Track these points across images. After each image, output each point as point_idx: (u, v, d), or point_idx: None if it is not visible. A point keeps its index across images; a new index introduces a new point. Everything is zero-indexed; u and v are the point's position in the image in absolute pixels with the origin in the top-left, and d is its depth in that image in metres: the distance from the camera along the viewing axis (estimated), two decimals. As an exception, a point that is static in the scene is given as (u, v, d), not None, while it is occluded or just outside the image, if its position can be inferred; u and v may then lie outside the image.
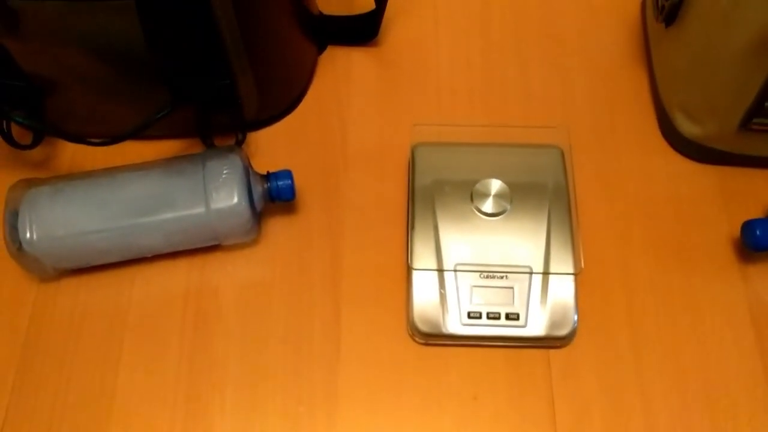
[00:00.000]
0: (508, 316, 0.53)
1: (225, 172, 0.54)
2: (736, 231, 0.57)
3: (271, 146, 0.63)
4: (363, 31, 0.67)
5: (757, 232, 0.54)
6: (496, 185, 0.56)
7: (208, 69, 0.55)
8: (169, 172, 0.55)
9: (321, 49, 0.68)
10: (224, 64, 0.55)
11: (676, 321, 0.55)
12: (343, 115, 0.65)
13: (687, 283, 0.57)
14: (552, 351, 0.54)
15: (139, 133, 0.56)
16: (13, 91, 0.57)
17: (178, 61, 0.54)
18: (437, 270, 0.54)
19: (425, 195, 0.57)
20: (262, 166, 0.58)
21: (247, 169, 0.56)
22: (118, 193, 0.54)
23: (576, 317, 0.53)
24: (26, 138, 0.60)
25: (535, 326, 0.53)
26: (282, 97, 0.64)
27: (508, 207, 0.56)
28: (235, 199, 0.53)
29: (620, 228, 0.59)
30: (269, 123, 0.64)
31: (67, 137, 0.57)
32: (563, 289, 0.54)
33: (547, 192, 0.57)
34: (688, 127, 0.60)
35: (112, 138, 0.55)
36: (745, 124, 0.56)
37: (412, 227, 0.56)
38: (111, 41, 0.52)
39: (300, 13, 0.60)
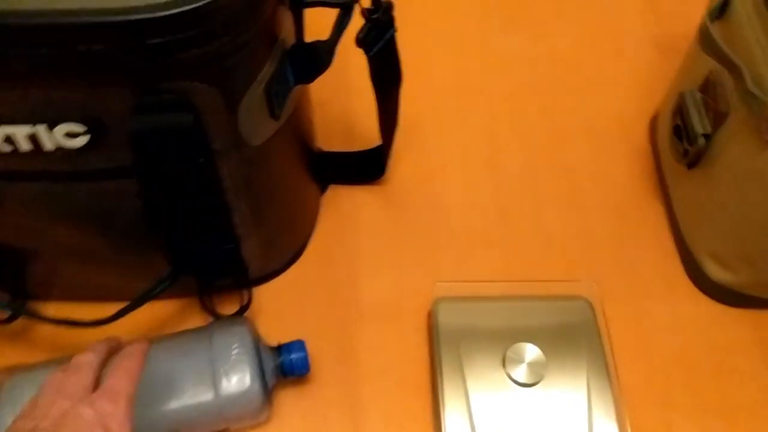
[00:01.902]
0: (552, 501, 0.48)
1: (235, 350, 0.49)
2: (778, 381, 0.54)
3: (276, 304, 0.58)
4: (368, 168, 0.63)
5: (808, 392, 0.51)
6: (530, 351, 0.52)
7: (210, 236, 0.51)
8: (172, 353, 0.50)
9: (323, 190, 0.64)
10: (228, 229, 0.51)
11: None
12: (352, 263, 0.60)
13: (734, 445, 0.53)
14: None
15: (134, 308, 0.51)
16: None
17: (180, 232, 0.49)
18: (473, 452, 0.49)
19: (452, 361, 0.52)
20: (267, 329, 0.54)
21: (257, 344, 0.51)
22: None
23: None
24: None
25: None
26: (286, 249, 0.59)
27: (544, 375, 0.52)
28: (248, 383, 0.48)
29: (660, 387, 0.55)
30: (272, 277, 0.59)
31: (51, 320, 0.51)
32: (611, 466, 0.49)
33: (582, 352, 0.53)
34: (719, 274, 0.57)
35: (106, 318, 0.50)
36: (783, 274, 0.53)
37: (441, 399, 0.51)
38: (105, 215, 0.47)
39: (305, 160, 0.57)
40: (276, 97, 0.44)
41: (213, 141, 0.43)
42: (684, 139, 0.56)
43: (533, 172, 0.66)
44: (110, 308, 0.51)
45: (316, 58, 0.45)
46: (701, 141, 0.54)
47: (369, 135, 0.64)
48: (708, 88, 0.54)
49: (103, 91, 0.39)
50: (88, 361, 0.41)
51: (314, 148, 0.61)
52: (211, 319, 0.55)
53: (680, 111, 0.57)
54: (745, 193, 0.51)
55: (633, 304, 0.58)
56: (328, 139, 0.64)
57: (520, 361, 0.52)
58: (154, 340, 0.51)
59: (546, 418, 0.50)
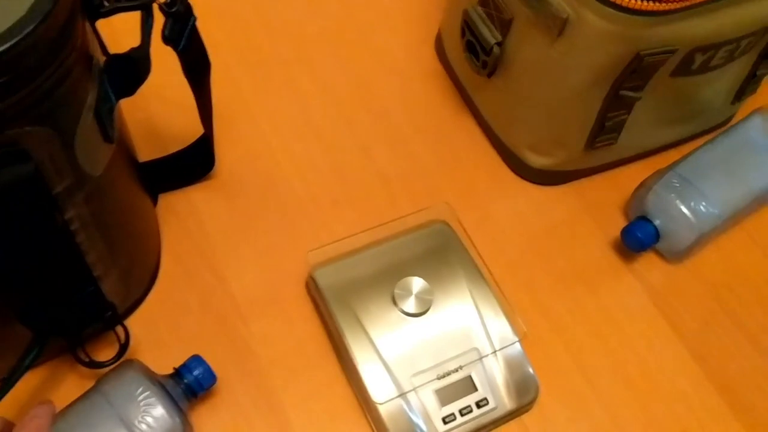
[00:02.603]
0: (478, 405, 0.52)
1: (138, 396, 0.46)
2: (611, 236, 0.63)
3: (151, 332, 0.55)
4: (197, 164, 0.61)
5: (639, 235, 0.60)
6: (413, 283, 0.55)
7: (69, 285, 0.46)
8: (73, 427, 0.45)
9: (155, 202, 0.60)
10: (86, 272, 0.47)
11: (606, 340, 0.59)
12: (211, 264, 0.59)
13: (596, 300, 0.61)
14: (525, 417, 0.55)
15: (10, 388, 0.45)
16: None
17: (36, 290, 0.44)
18: (400, 396, 0.51)
19: (348, 318, 0.54)
20: (152, 360, 0.51)
21: (155, 378, 0.48)
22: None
23: (534, 373, 0.54)
24: None
25: (505, 402, 0.53)
26: (143, 274, 0.56)
27: (432, 299, 0.55)
28: (169, 420, 0.46)
29: (522, 273, 0.61)
30: (136, 307, 0.56)
31: None
32: (515, 357, 0.54)
33: (457, 269, 0.57)
34: (537, 160, 0.64)
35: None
36: (591, 145, 0.61)
37: (353, 358, 0.52)
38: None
39: (136, 179, 0.53)
40: (106, 118, 0.41)
41: (56, 184, 0.39)
42: (480, 52, 0.61)
43: (348, 122, 0.67)
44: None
45: (134, 68, 0.42)
46: (496, 50, 0.59)
47: (181, 132, 0.61)
48: (487, 1, 0.59)
49: None
50: None
51: (137, 161, 0.58)
52: (89, 371, 0.51)
53: (468, 27, 0.62)
54: (544, 83, 0.57)
55: (476, 211, 0.63)
56: (143, 148, 0.60)
57: (408, 294, 0.55)
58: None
59: (447, 336, 0.54)
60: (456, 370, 0.53)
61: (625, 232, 0.60)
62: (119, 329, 0.51)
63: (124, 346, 0.51)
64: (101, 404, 0.46)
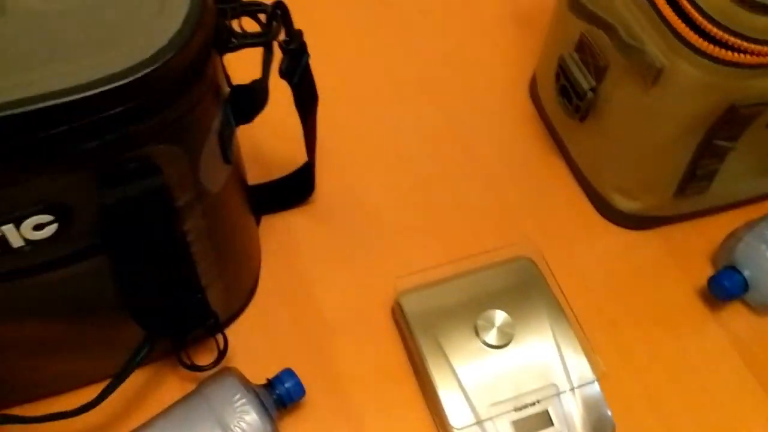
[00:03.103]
0: (553, 439, 0.53)
1: (236, 401, 0.50)
2: (697, 283, 0.63)
3: (246, 342, 0.59)
4: (298, 190, 0.65)
5: (726, 284, 0.59)
6: (497, 316, 0.57)
7: (179, 291, 0.51)
8: (174, 428, 0.49)
9: (258, 223, 0.65)
10: (195, 281, 0.51)
11: (687, 386, 0.58)
12: (305, 283, 0.62)
13: (679, 346, 0.60)
14: (600, 457, 0.55)
15: (119, 384, 0.50)
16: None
17: (152, 295, 0.49)
18: (477, 423, 0.53)
19: (430, 343, 0.56)
20: (245, 368, 0.54)
21: (251, 386, 0.52)
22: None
23: (610, 414, 0.55)
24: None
25: (581, 439, 0.54)
26: (244, 288, 0.60)
27: (513, 333, 0.57)
28: (260, 423, 0.49)
29: (603, 314, 0.62)
30: (235, 318, 0.60)
31: (35, 419, 0.49)
32: (593, 397, 0.55)
33: (540, 305, 0.58)
34: (626, 204, 0.65)
35: (92, 401, 0.49)
36: (681, 192, 0.61)
37: (433, 382, 0.54)
38: (74, 299, 0.46)
39: (246, 196, 0.58)
40: (227, 141, 0.45)
41: (179, 197, 0.43)
42: (573, 96, 0.63)
43: (440, 158, 0.70)
44: (87, 393, 0.50)
45: (254, 98, 0.47)
46: (590, 95, 0.61)
47: (284, 159, 0.66)
48: (583, 47, 0.61)
49: (66, 174, 0.38)
50: None
51: (247, 184, 0.62)
52: (188, 373, 0.55)
53: (563, 72, 0.64)
54: (636, 129, 0.59)
55: (561, 251, 0.65)
56: (250, 172, 0.65)
57: (491, 326, 0.57)
58: (148, 424, 0.51)
59: (527, 369, 0.55)
60: (533, 404, 0.54)
61: (713, 281, 0.60)
62: (219, 337, 0.55)
63: (222, 353, 0.55)
64: (201, 406, 0.50)
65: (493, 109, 0.74)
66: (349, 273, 0.63)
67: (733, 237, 0.62)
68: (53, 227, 0.40)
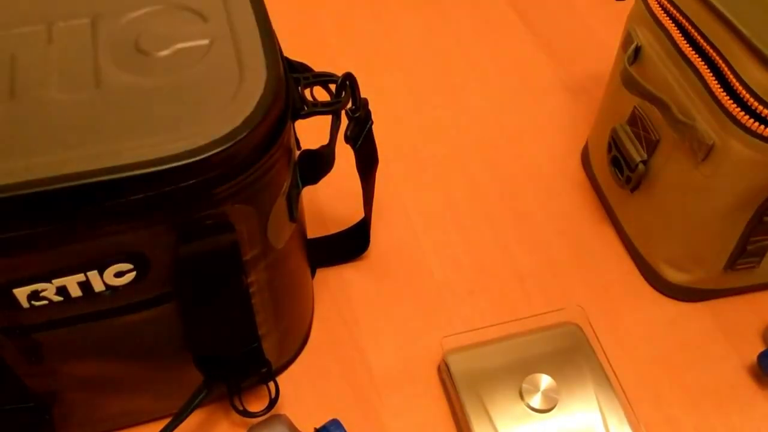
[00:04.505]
0: None
1: (285, 446, 0.52)
2: (747, 359, 0.62)
3: (295, 391, 0.61)
4: (354, 245, 0.68)
5: (776, 362, 0.59)
6: (542, 380, 0.58)
7: (238, 340, 0.53)
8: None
9: (313, 275, 0.68)
10: (253, 330, 0.54)
11: (734, 463, 0.58)
12: (355, 337, 0.64)
13: (727, 423, 0.60)
14: None
15: (177, 425, 0.52)
16: (16, 418, 0.51)
17: (213, 342, 0.51)
18: (520, 485, 0.54)
19: (475, 403, 0.57)
20: (295, 417, 0.56)
21: (299, 433, 0.53)
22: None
23: (654, 490, 0.55)
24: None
25: None
26: (297, 338, 0.63)
27: (558, 399, 0.57)
28: (307, 472, 0.51)
29: (651, 386, 0.62)
30: (287, 367, 0.62)
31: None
32: (637, 467, 0.55)
33: (584, 371, 0.59)
34: (675, 276, 0.65)
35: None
36: (731, 266, 0.62)
37: (477, 444, 0.55)
38: (141, 343, 0.49)
39: (306, 250, 0.60)
40: (294, 201, 0.48)
41: (247, 252, 0.46)
42: (624, 168, 0.65)
43: (491, 219, 0.72)
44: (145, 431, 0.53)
45: (321, 162, 0.50)
46: (641, 167, 0.62)
47: (342, 216, 0.68)
48: (636, 121, 0.63)
49: (148, 230, 0.41)
50: None
51: (306, 238, 0.65)
52: (240, 418, 0.57)
53: (615, 144, 0.66)
54: (687, 203, 0.60)
55: (608, 318, 0.66)
56: (309, 226, 0.68)
57: (536, 390, 0.57)
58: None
59: (572, 436, 0.56)
60: (576, 471, 0.55)
61: (762, 357, 0.60)
62: (271, 385, 0.57)
63: (273, 401, 0.57)
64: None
65: (546, 175, 0.76)
66: (398, 329, 0.65)
67: (784, 314, 0.62)
68: (132, 275, 0.43)
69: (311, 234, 0.67)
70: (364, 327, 0.65)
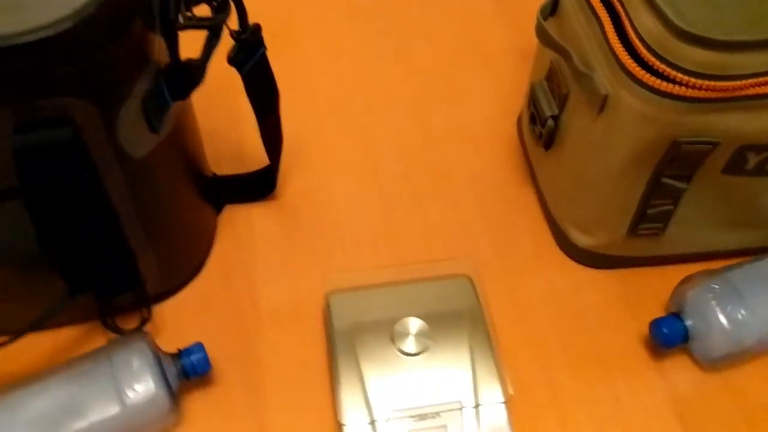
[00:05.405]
0: (448, 457, 0.52)
1: (135, 362, 0.51)
2: (645, 329, 0.60)
3: (178, 318, 0.61)
4: (259, 187, 0.67)
5: (665, 330, 0.57)
6: (414, 324, 0.57)
7: (104, 251, 0.53)
8: (72, 377, 0.52)
9: (218, 210, 0.67)
10: (121, 244, 0.54)
11: (607, 429, 0.56)
12: (250, 274, 0.64)
13: (611, 389, 0.58)
14: (498, 485, 0.53)
15: (36, 328, 0.53)
16: None
17: (72, 248, 0.51)
18: (369, 423, 0.53)
19: (346, 343, 0.56)
20: (170, 341, 0.56)
21: (156, 353, 0.53)
22: (18, 415, 0.50)
23: (514, 442, 0.53)
24: None
25: (477, 463, 0.52)
26: (184, 266, 0.62)
27: (430, 344, 0.56)
28: (153, 389, 0.51)
29: (540, 347, 0.60)
30: (172, 293, 0.62)
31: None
32: (497, 420, 0.53)
33: (464, 322, 0.57)
34: (581, 239, 0.63)
35: (4, 341, 0.52)
36: (633, 231, 0.60)
37: (338, 380, 0.54)
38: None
39: (194, 180, 0.60)
40: (153, 111, 0.48)
41: (94, 154, 0.46)
42: (538, 124, 0.63)
43: (412, 175, 0.71)
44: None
45: (189, 76, 0.50)
46: (550, 123, 0.60)
47: (261, 157, 0.68)
48: (552, 76, 0.61)
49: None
50: None
51: (206, 172, 0.65)
52: (115, 337, 0.57)
53: (532, 100, 0.64)
54: (587, 160, 0.58)
55: (512, 278, 0.64)
56: (221, 165, 0.68)
57: (407, 334, 0.56)
58: (54, 368, 0.53)
59: (435, 382, 0.54)
60: (433, 417, 0.53)
61: (653, 326, 0.58)
62: (144, 308, 0.57)
63: (144, 320, 0.57)
64: (102, 361, 0.52)
65: (478, 137, 0.74)
66: (293, 270, 0.64)
67: (686, 283, 0.59)
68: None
69: (225, 171, 0.67)
70: (261, 264, 0.65)
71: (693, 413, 0.57)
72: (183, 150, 0.56)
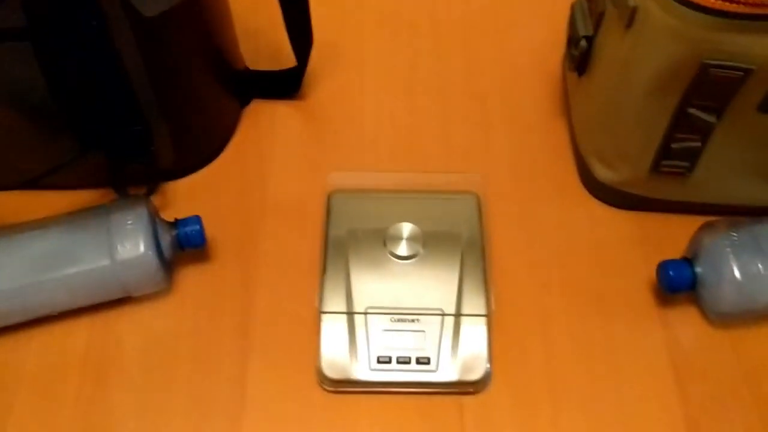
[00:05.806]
0: (418, 361, 0.51)
1: (129, 222, 0.53)
2: (654, 276, 0.57)
3: (188, 197, 0.62)
4: (286, 85, 0.68)
5: (671, 273, 0.54)
6: (408, 229, 0.56)
7: (117, 114, 0.55)
8: (71, 226, 0.54)
9: (245, 103, 0.68)
10: (135, 110, 0.55)
11: (595, 368, 0.53)
12: (264, 167, 0.64)
13: (606, 330, 0.55)
14: (465, 398, 0.52)
15: (39, 180, 0.55)
16: None
17: (85, 106, 0.53)
18: (346, 313, 0.52)
19: (339, 241, 0.56)
20: (173, 215, 0.57)
21: (154, 218, 0.55)
22: (16, 253, 0.52)
23: (489, 362, 0.52)
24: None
25: (447, 371, 0.51)
26: (200, 149, 0.64)
27: (421, 251, 0.55)
28: (141, 249, 0.52)
29: (539, 274, 0.58)
30: (186, 173, 0.63)
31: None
32: (475, 333, 0.52)
33: (461, 237, 0.56)
34: (603, 173, 0.60)
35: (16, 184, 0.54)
36: (656, 168, 0.56)
37: (324, 271, 0.54)
38: (5, 86, 0.51)
39: (219, 67, 0.61)
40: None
41: (103, 3, 0.47)
42: (572, 47, 0.60)
43: (442, 93, 0.69)
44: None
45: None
46: (583, 43, 0.57)
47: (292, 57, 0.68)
48: (590, -7, 0.58)
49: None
50: None
51: (236, 63, 0.66)
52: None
53: (571, 22, 0.61)
54: (613, 83, 0.54)
55: (524, 203, 0.62)
56: (259, 62, 0.68)
57: (400, 238, 0.55)
58: (57, 217, 0.55)
59: (420, 287, 0.54)
60: (412, 320, 0.52)
61: (659, 267, 0.55)
62: (154, 179, 0.59)
63: (150, 190, 0.59)
64: (101, 216, 0.54)
65: (520, 66, 0.72)
66: (307, 167, 0.64)
67: (705, 229, 0.55)
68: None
69: (257, 65, 0.67)
70: (277, 159, 0.65)
71: (690, 365, 0.54)
72: (203, 25, 0.57)
